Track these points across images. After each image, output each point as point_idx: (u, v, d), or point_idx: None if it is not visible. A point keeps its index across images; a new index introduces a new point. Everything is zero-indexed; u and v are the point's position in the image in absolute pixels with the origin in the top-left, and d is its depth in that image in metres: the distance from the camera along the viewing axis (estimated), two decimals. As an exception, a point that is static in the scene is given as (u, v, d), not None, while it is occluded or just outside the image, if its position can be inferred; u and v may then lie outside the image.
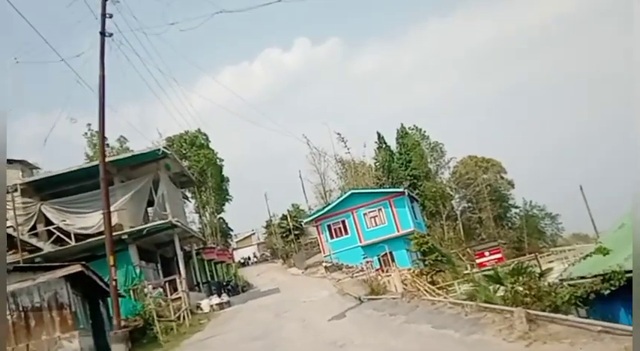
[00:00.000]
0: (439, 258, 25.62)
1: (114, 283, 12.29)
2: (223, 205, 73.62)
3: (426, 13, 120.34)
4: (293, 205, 68.10)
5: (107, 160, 25.81)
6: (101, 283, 15.86)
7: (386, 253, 38.97)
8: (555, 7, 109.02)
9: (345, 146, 68.96)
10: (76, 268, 12.75)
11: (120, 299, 23.29)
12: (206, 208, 69.50)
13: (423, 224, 51.48)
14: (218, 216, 71.74)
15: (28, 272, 12.78)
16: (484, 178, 72.31)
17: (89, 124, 59.00)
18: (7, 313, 12.44)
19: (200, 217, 68.57)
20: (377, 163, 75.36)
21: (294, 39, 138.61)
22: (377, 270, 24.10)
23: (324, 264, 40.02)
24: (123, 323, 23.14)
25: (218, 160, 70.98)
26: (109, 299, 21.30)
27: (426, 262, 25.01)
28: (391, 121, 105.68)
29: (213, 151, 69.02)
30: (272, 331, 11.88)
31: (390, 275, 22.85)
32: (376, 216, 44.49)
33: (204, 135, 69.64)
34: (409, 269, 32.17)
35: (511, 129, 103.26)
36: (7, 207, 25.05)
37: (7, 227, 25.03)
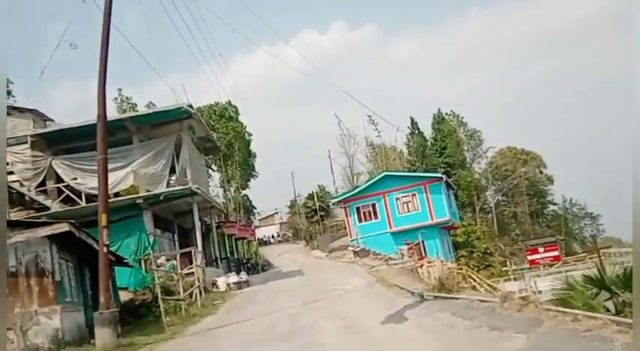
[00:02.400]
0: (488, 251, 22.53)
1: (104, 249, 9.74)
2: (248, 181, 71.58)
3: (465, 4, 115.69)
4: (319, 186, 65.49)
5: (125, 115, 23.68)
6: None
7: (418, 242, 35.96)
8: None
9: (376, 129, 65.79)
10: (62, 227, 10.27)
11: (129, 270, 21.37)
12: (231, 182, 67.38)
13: (457, 214, 48.23)
14: (242, 192, 69.73)
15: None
16: (523, 172, 68.26)
17: (120, 89, 57.30)
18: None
19: (224, 191, 66.53)
20: (409, 149, 72.75)
21: (332, 22, 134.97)
22: (420, 258, 21.19)
23: (351, 248, 37.35)
24: (131, 296, 21.15)
25: (246, 135, 68.67)
26: (116, 269, 19.10)
27: (474, 255, 21.99)
28: (426, 108, 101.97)
29: (242, 124, 66.76)
30: (302, 330, 8.95)
31: (431, 266, 19.91)
32: (409, 201, 41.39)
33: (234, 107, 67.34)
34: (442, 261, 29.24)
35: (552, 123, 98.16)
36: (16, 160, 23.03)
37: (14, 182, 23.01)
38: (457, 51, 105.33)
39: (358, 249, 32.24)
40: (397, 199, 41.13)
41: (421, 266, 18.53)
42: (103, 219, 9.88)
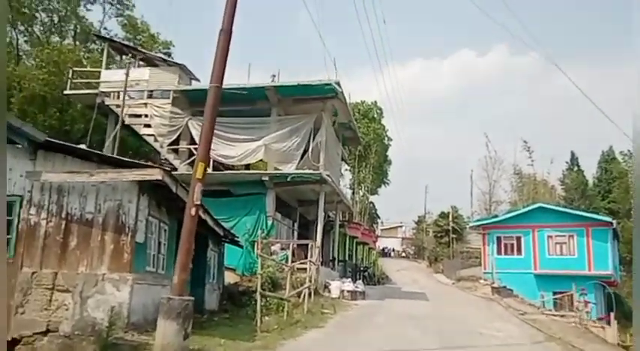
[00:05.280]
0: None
1: (192, 210, 7.03)
2: (379, 187, 68.36)
3: None
4: (452, 207, 60.12)
5: (269, 84, 21.69)
6: (207, 218, 10.94)
7: (571, 294, 29.55)
8: None
9: (530, 157, 58.40)
10: (153, 173, 7.85)
11: (240, 251, 19.24)
12: (361, 185, 64.70)
13: (619, 270, 40.26)
14: (370, 198, 66.81)
15: (90, 162, 8.16)
16: None
17: (273, 75, 57.53)
18: (44, 216, 8.04)
19: (353, 193, 64.16)
20: (565, 185, 64.52)
21: (493, 45, 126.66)
22: (601, 318, 16.09)
23: (483, 281, 32.32)
24: (237, 280, 18.99)
25: (386, 139, 65.51)
26: (225, 245, 17.02)
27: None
28: (587, 146, 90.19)
29: (384, 127, 63.64)
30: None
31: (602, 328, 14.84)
32: (564, 243, 34.88)
33: (379, 109, 64.58)
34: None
35: None
36: (155, 113, 22.25)
37: (149, 135, 22.29)
38: (631, 90, 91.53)
39: (498, 285, 27.22)
40: (549, 237, 34.88)
41: (602, 327, 13.69)
42: (199, 169, 7.26)
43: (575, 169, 65.77)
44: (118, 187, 8.12)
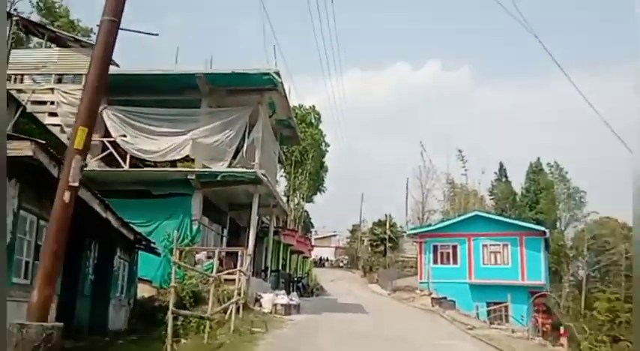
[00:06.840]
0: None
1: (65, 195, 4.70)
2: (314, 194, 66.76)
3: (569, 64, 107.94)
4: (387, 215, 59.71)
5: (199, 70, 19.42)
6: (109, 217, 8.68)
7: (506, 305, 29.02)
8: None
9: (464, 166, 59.12)
10: (20, 146, 5.59)
11: (157, 260, 16.67)
12: (296, 192, 62.83)
13: (549, 280, 40.87)
14: (305, 205, 65.09)
15: None
16: (624, 249, 59.09)
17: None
18: None
19: (288, 200, 62.23)
20: (494, 196, 66.19)
21: (427, 60, 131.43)
22: (562, 334, 15.03)
23: (420, 292, 31.54)
24: (153, 293, 16.47)
25: (324, 145, 64.18)
26: (138, 253, 14.65)
27: (620, 344, 15.67)
28: (514, 160, 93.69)
29: (321, 132, 62.20)
30: None
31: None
32: (498, 252, 34.82)
33: (318, 114, 63.13)
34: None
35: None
36: (63, 100, 19.47)
37: (55, 125, 19.38)
38: (553, 110, 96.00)
39: (438, 296, 26.27)
40: (484, 246, 34.67)
41: (561, 344, 12.63)
42: (79, 135, 5.01)
43: (504, 179, 67.59)
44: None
